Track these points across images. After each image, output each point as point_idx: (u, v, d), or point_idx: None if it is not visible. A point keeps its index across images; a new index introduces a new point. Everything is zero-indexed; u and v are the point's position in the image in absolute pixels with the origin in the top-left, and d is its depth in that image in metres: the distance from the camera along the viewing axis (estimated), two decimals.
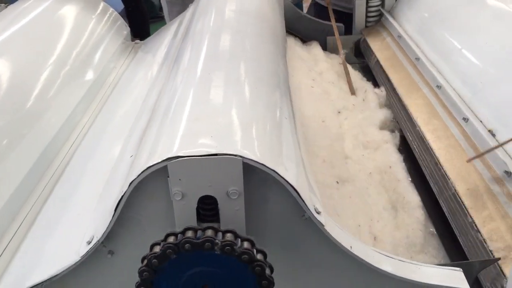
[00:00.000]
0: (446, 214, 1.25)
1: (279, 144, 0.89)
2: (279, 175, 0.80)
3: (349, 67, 2.11)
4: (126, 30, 2.31)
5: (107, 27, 2.16)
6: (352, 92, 1.92)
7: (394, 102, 1.78)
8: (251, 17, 1.50)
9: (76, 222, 1.02)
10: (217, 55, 1.18)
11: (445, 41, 1.74)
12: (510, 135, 1.23)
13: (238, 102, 0.95)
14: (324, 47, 2.34)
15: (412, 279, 0.89)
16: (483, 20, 1.62)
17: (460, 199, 1.20)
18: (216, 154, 0.78)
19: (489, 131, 1.29)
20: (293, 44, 2.22)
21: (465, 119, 1.36)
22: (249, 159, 0.78)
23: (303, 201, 0.82)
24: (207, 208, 0.83)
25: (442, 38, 1.77)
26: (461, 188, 1.23)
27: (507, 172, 1.14)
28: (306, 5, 3.38)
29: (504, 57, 1.42)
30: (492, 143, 1.23)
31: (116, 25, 2.25)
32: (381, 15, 2.35)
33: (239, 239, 0.75)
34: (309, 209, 0.82)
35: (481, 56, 1.51)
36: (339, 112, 1.74)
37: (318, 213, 0.84)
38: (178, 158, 0.78)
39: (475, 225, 1.12)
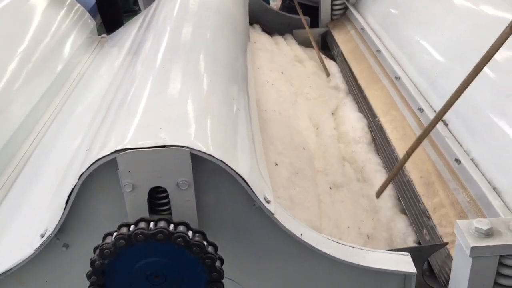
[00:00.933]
0: (402, 202, 1.29)
1: (231, 136, 0.91)
2: (227, 165, 0.81)
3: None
4: (92, 24, 2.30)
5: (72, 22, 2.14)
6: (327, 74, 1.99)
7: (356, 93, 1.81)
8: (212, 11, 1.51)
9: (33, 216, 1.02)
10: (175, 48, 1.19)
11: (404, 34, 1.78)
12: (461, 124, 1.27)
13: (192, 95, 0.97)
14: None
15: (361, 264, 0.92)
16: (438, 13, 1.66)
17: (414, 186, 1.24)
18: (164, 146, 0.79)
19: (442, 121, 1.33)
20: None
21: (420, 109, 1.40)
22: (197, 150, 0.80)
23: (252, 190, 0.84)
24: (159, 199, 0.84)
25: (402, 30, 1.81)
26: (415, 177, 1.26)
27: (457, 160, 1.18)
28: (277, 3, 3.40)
29: (455, 49, 1.46)
30: (444, 133, 1.27)
31: (82, 20, 2.23)
32: (346, 8, 2.38)
33: (191, 231, 0.77)
34: (258, 198, 0.85)
35: (435, 48, 1.55)
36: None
37: (268, 202, 0.87)
38: (126, 150, 0.79)
39: (427, 211, 1.16)
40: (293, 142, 1.44)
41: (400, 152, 1.37)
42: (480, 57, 1.36)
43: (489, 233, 0.83)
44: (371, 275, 0.93)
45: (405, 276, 0.93)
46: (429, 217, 1.14)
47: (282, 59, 2.07)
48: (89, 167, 0.80)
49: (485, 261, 0.83)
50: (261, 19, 2.36)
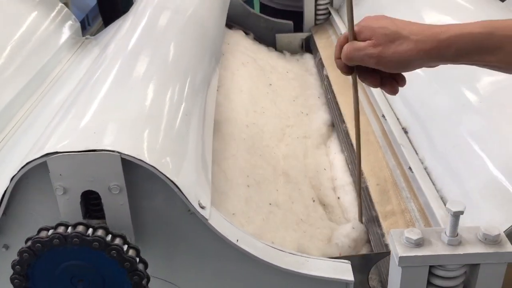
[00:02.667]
0: (362, 208, 1.29)
1: (169, 141, 0.92)
2: (158, 171, 0.82)
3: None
4: (76, 25, 2.31)
5: (54, 22, 2.16)
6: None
7: (330, 98, 1.82)
8: (181, 15, 1.52)
9: None
10: (130, 52, 1.20)
11: None
12: (420, 132, 1.27)
13: (136, 100, 0.97)
14: (274, 45, 2.37)
15: (299, 271, 0.93)
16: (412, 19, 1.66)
17: (370, 194, 1.24)
18: (95, 150, 0.80)
19: (403, 128, 1.33)
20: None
21: (384, 116, 1.40)
22: (127, 155, 0.80)
23: (185, 196, 0.84)
24: (93, 203, 0.85)
25: None
26: (371, 183, 1.26)
27: (410, 168, 1.18)
28: None
29: None
30: (402, 141, 1.27)
31: (64, 20, 2.25)
32: (330, 13, 2.38)
33: (110, 235, 0.78)
34: (191, 203, 0.85)
35: None
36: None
37: (202, 207, 0.87)
38: (57, 153, 0.80)
39: (378, 219, 1.16)
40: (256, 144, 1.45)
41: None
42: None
43: (419, 243, 0.83)
44: (309, 283, 0.93)
45: (346, 284, 0.93)
46: (379, 225, 1.14)
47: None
48: (19, 170, 0.81)
49: (415, 271, 0.83)
50: (243, 23, 2.36)
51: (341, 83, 1.79)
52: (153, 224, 0.90)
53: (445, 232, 0.83)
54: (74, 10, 4.36)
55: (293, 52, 2.37)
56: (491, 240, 0.82)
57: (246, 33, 2.33)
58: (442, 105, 1.25)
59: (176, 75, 1.14)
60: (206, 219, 0.87)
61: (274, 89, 1.89)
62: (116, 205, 0.84)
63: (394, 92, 0.92)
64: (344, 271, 0.94)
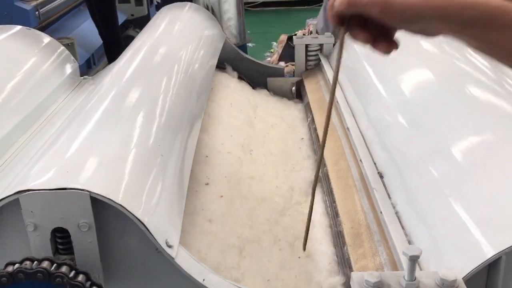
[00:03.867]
0: (336, 249, 1.31)
1: (141, 181, 0.95)
2: (126, 209, 0.85)
3: None
4: (75, 66, 2.39)
5: (52, 63, 2.23)
6: None
7: (314, 142, 1.86)
8: (170, 59, 1.59)
9: None
10: (116, 94, 1.25)
11: (362, 85, 1.84)
12: (395, 177, 1.31)
13: (113, 139, 1.02)
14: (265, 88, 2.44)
15: None
16: (392, 70, 1.72)
17: (343, 236, 1.26)
18: (65, 188, 0.83)
19: (379, 173, 1.36)
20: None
21: (361, 161, 1.44)
22: (97, 193, 0.84)
23: (152, 235, 0.87)
24: (62, 240, 0.88)
25: (361, 83, 1.87)
26: (346, 226, 1.29)
27: (381, 213, 1.20)
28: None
29: (397, 104, 1.51)
30: (376, 185, 1.30)
31: (63, 61, 2.32)
32: (320, 59, 2.45)
33: (74, 272, 0.80)
34: (158, 242, 0.88)
35: (385, 101, 1.60)
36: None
37: (170, 246, 0.90)
38: (29, 191, 0.83)
39: (350, 261, 1.17)
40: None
41: (338, 201, 1.40)
42: (419, 112, 1.42)
43: (378, 286, 0.85)
44: None
45: None
46: (350, 268, 1.16)
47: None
48: None
49: None
50: (236, 66, 2.43)
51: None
52: (122, 261, 0.92)
53: (404, 277, 0.85)
54: (80, 51, 4.49)
55: (284, 95, 2.43)
56: (448, 285, 0.84)
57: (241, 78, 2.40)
58: (416, 151, 1.28)
59: (157, 117, 1.19)
60: (172, 258, 0.89)
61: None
62: (85, 242, 0.87)
63: (388, 51, 0.78)
64: None
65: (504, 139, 1.13)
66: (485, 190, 1.03)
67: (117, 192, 0.86)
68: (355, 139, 1.54)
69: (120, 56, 2.24)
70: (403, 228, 1.14)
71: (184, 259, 0.91)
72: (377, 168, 1.39)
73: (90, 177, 0.87)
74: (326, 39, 2.44)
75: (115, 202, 0.84)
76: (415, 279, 0.85)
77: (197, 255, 1.09)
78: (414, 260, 0.83)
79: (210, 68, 1.88)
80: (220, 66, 2.35)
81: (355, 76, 1.98)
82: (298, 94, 2.46)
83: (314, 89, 2.23)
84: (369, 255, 1.16)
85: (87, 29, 5.48)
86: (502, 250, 0.87)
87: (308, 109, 2.13)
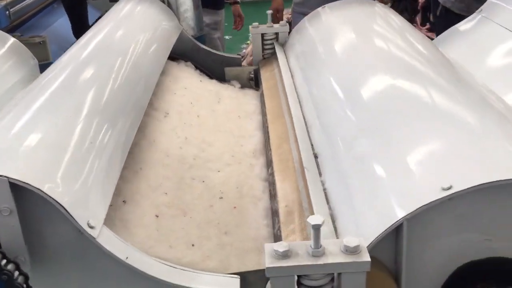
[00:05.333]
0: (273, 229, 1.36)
1: (65, 167, 1.00)
2: (45, 193, 0.90)
3: None
4: (33, 62, 2.41)
5: (9, 60, 2.25)
6: None
7: (264, 127, 1.91)
8: (114, 50, 1.63)
9: None
10: (60, 86, 1.30)
11: (312, 70, 1.89)
12: (327, 157, 1.36)
13: (35, 127, 1.06)
14: (223, 77, 2.48)
15: (188, 286, 0.99)
16: (340, 56, 1.78)
17: (278, 215, 1.32)
18: None
19: (314, 154, 1.41)
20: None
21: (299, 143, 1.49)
22: (14, 179, 0.88)
23: (73, 217, 0.92)
24: None
25: (311, 68, 1.92)
26: (281, 205, 1.34)
27: (312, 190, 1.25)
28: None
29: (339, 87, 1.57)
30: (309, 165, 1.35)
31: (21, 58, 2.34)
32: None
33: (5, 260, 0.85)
34: (79, 224, 0.92)
35: (326, 85, 1.65)
36: None
37: (92, 227, 0.94)
38: None
39: (281, 238, 1.23)
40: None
41: (278, 182, 1.45)
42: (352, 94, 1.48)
43: (286, 255, 0.90)
44: None
45: None
46: None
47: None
48: None
49: (282, 281, 0.90)
50: (193, 57, 2.47)
51: (275, 113, 1.89)
52: (49, 245, 0.97)
53: (310, 245, 0.91)
54: (53, 48, 4.49)
55: (242, 85, 2.48)
56: (351, 250, 0.90)
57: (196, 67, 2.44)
58: (345, 131, 1.34)
59: (91, 106, 1.23)
60: (94, 238, 0.94)
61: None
62: (8, 227, 0.91)
63: None
64: (231, 285, 1.00)
65: (420, 119, 1.18)
66: (399, 164, 1.08)
67: (35, 177, 0.90)
68: (297, 123, 1.59)
69: (67, 50, 2.28)
70: (328, 203, 1.19)
71: (107, 239, 0.96)
72: (313, 149, 1.44)
73: (10, 164, 0.91)
74: (281, 27, 2.48)
75: (33, 187, 0.89)
76: (320, 247, 0.90)
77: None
78: (317, 228, 0.89)
79: (160, 59, 1.92)
80: (177, 57, 2.39)
81: (306, 62, 2.03)
82: (257, 83, 2.51)
83: (268, 77, 2.28)
84: (298, 230, 1.21)
85: (61, 27, 5.48)
86: (403, 217, 0.93)
87: (262, 96, 2.18)
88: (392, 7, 4.69)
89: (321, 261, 0.89)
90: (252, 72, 2.48)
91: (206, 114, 2.00)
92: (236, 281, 1.01)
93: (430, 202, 0.91)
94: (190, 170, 1.61)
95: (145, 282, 0.98)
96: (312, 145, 1.47)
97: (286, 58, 2.28)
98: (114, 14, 2.09)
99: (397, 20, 2.18)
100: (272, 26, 2.49)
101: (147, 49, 1.82)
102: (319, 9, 2.41)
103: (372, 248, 0.96)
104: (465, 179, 0.92)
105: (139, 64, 1.64)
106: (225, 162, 1.73)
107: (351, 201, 1.12)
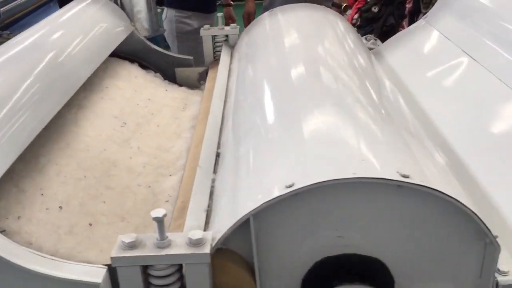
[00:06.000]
0: None
1: None
2: None
3: None
4: None
5: None
6: None
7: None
8: (37, 49, 1.68)
9: None
10: None
11: (241, 74, 1.94)
12: (225, 155, 1.41)
13: None
14: (174, 79, 2.53)
15: (53, 275, 1.03)
16: (264, 60, 1.83)
17: (173, 211, 1.36)
18: None
19: (217, 152, 1.46)
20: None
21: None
22: None
23: None
24: None
25: (241, 71, 1.97)
26: (178, 201, 1.39)
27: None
28: None
29: (252, 89, 1.61)
30: (207, 164, 1.40)
31: None
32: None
33: None
34: None
35: (245, 87, 1.70)
36: None
37: None
38: None
39: None
40: None
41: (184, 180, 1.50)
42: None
43: (132, 246, 0.95)
44: (63, 285, 1.03)
45: (93, 285, 1.03)
46: None
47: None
48: None
49: (129, 271, 0.95)
50: (144, 58, 2.52)
51: (204, 114, 1.94)
52: None
53: (157, 237, 0.95)
54: None
55: (192, 86, 2.52)
56: (194, 243, 0.94)
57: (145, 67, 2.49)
58: (241, 130, 1.39)
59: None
60: None
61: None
62: None
63: None
64: (96, 275, 1.04)
65: (290, 122, 1.22)
66: (259, 163, 1.13)
67: None
68: (211, 123, 1.64)
69: None
70: (211, 200, 1.24)
71: None
72: (218, 148, 1.49)
73: None
74: (231, 30, 2.53)
75: None
76: (166, 238, 0.95)
77: None
78: (159, 221, 0.93)
79: (95, 57, 1.97)
80: (126, 57, 2.44)
81: (242, 63, 2.08)
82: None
83: (211, 78, 2.32)
84: (183, 224, 1.26)
85: None
86: (249, 212, 0.97)
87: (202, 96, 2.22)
88: (379, 11, 4.72)
89: (164, 252, 0.93)
90: (203, 73, 2.53)
91: (167, 122, 2.03)
92: (102, 271, 1.05)
93: (273, 199, 0.95)
94: (137, 178, 1.64)
95: (10, 270, 1.02)
96: (219, 144, 1.52)
97: (231, 59, 2.33)
98: (59, 14, 2.15)
99: (342, 28, 2.22)
100: (223, 29, 2.54)
101: (81, 48, 1.87)
102: (268, 12, 2.46)
103: (227, 242, 1.00)
104: (307, 177, 0.96)
105: (64, 62, 1.69)
106: (179, 167, 1.75)
107: (223, 197, 1.16)
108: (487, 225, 0.96)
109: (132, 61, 2.46)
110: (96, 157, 1.62)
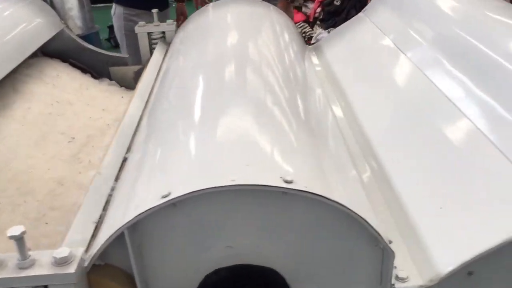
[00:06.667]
0: None
1: None
2: None
3: None
4: None
5: None
6: None
7: None
8: None
9: None
10: None
11: (169, 72, 1.85)
12: (132, 159, 1.32)
13: None
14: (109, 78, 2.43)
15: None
16: (189, 56, 1.75)
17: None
18: None
19: (124, 157, 1.37)
20: None
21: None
22: None
23: None
24: None
25: (168, 69, 1.88)
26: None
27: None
28: None
29: (171, 89, 1.53)
30: (110, 170, 1.31)
31: None
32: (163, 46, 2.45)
33: None
34: None
35: (165, 86, 1.62)
36: None
37: None
38: None
39: None
40: None
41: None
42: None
43: None
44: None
45: None
46: None
47: None
48: None
49: None
50: (78, 57, 2.41)
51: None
52: None
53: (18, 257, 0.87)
54: None
55: (128, 85, 2.43)
56: (59, 262, 0.86)
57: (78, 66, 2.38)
58: (144, 134, 1.30)
59: None
60: None
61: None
62: None
63: None
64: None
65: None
66: (149, 172, 1.05)
67: None
68: (125, 124, 1.55)
69: None
70: (104, 210, 1.15)
71: None
72: (126, 153, 1.40)
73: None
74: (168, 26, 2.44)
75: None
76: (28, 257, 0.86)
77: None
78: (17, 239, 0.85)
79: (13, 55, 1.87)
80: (56, 56, 2.34)
81: (171, 60, 2.00)
82: None
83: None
84: None
85: None
86: (123, 225, 0.89)
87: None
88: (341, 4, 4.66)
89: (24, 274, 0.85)
90: (140, 72, 2.43)
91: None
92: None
93: (146, 210, 0.88)
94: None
95: None
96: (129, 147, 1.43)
97: (165, 57, 2.24)
98: None
99: (282, 25, 2.15)
100: (159, 25, 2.45)
101: None
102: (205, 7, 2.38)
103: (106, 257, 0.93)
104: (183, 185, 0.89)
105: None
106: None
107: (114, 207, 1.08)
108: (379, 230, 0.90)
109: (64, 60, 2.36)
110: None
